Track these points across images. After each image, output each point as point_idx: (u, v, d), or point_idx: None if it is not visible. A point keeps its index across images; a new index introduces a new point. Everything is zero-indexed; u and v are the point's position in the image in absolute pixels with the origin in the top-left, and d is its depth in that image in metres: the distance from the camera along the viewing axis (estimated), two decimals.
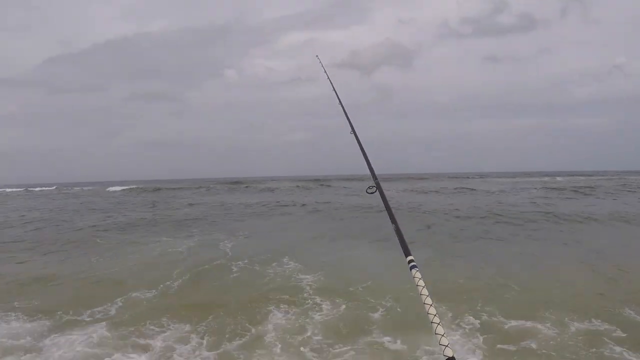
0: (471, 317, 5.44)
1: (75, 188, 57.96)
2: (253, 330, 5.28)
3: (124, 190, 45.38)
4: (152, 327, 5.41)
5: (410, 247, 1.76)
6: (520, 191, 28.67)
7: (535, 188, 31.29)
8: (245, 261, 8.76)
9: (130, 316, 5.82)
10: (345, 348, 4.72)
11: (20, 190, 54.35)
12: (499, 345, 4.68)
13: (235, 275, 7.98)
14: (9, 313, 5.99)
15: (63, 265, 9.15)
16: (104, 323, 5.54)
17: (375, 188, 2.22)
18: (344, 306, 6.02)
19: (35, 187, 60.50)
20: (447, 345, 1.31)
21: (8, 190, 56.17)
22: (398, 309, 5.78)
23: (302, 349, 4.75)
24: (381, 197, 2.09)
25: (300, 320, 5.54)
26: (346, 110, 3.66)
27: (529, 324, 5.24)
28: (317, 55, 5.06)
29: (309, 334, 5.12)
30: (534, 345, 4.68)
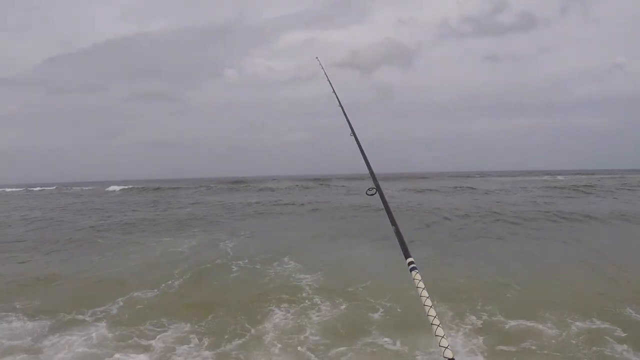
0: (471, 317, 5.45)
1: (75, 188, 57.93)
2: (252, 331, 5.29)
3: (123, 190, 45.36)
4: (152, 327, 5.42)
5: (410, 245, 1.77)
6: (520, 190, 28.66)
7: (536, 187, 31.27)
8: (246, 261, 8.77)
9: (131, 316, 5.84)
10: (344, 349, 4.71)
11: (20, 190, 54.36)
12: (499, 346, 4.68)
13: (235, 274, 7.98)
14: (10, 313, 6.00)
15: (65, 265, 9.16)
16: (105, 323, 5.56)
17: (375, 190, 2.23)
18: (343, 306, 6.02)
19: (35, 187, 60.48)
20: (447, 347, 1.31)
21: (8, 190, 56.16)
22: (398, 310, 5.77)
23: (301, 349, 4.75)
24: (381, 199, 2.09)
25: (299, 320, 5.54)
26: (346, 111, 3.67)
27: (529, 323, 5.24)
28: (317, 57, 5.09)
29: (308, 334, 5.13)
30: (534, 345, 4.68)
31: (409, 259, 1.65)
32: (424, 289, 1.49)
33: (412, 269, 1.60)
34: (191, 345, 4.94)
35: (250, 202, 23.74)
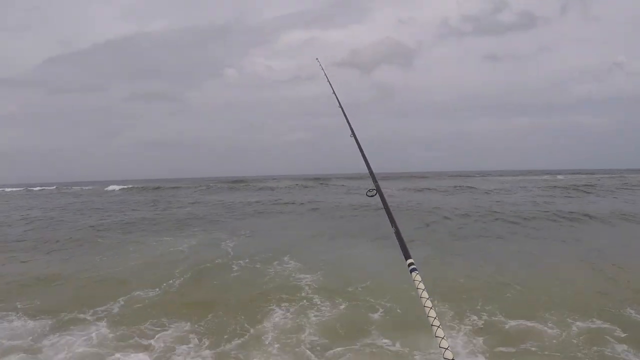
0: (471, 317, 5.45)
1: (74, 187, 57.95)
2: (252, 330, 5.29)
3: (122, 189, 45.34)
4: (153, 327, 5.43)
5: (409, 245, 1.79)
6: (520, 190, 28.65)
7: (536, 187, 31.26)
8: (246, 260, 8.78)
9: (132, 315, 5.85)
10: (344, 349, 4.71)
11: (20, 190, 54.36)
12: (500, 347, 4.68)
13: (235, 274, 7.99)
14: (11, 313, 6.01)
15: (65, 265, 9.17)
16: (106, 322, 5.57)
17: (375, 191, 2.24)
18: (343, 306, 6.02)
19: (35, 187, 60.50)
20: (447, 348, 1.32)
21: (8, 189, 56.18)
22: (398, 310, 5.76)
23: (300, 349, 4.76)
24: (381, 201, 2.10)
25: (298, 320, 5.55)
26: (346, 111, 3.68)
27: (529, 323, 5.24)
28: (317, 59, 5.09)
29: (307, 334, 5.13)
30: (535, 346, 4.68)
31: (409, 260, 1.66)
32: (424, 290, 1.49)
33: (412, 270, 1.61)
34: (191, 345, 4.95)
35: (250, 202, 23.74)
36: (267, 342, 4.93)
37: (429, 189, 31.17)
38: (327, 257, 9.04)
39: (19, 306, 6.28)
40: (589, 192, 24.41)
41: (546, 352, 4.54)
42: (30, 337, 5.18)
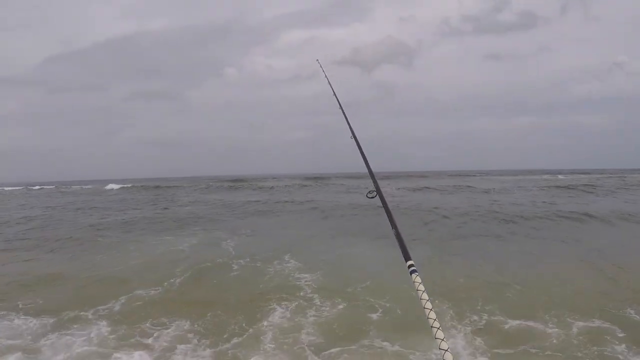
0: (471, 317, 5.45)
1: (74, 186, 57.96)
2: (251, 330, 5.30)
3: (122, 188, 45.30)
4: (153, 326, 5.44)
5: (409, 244, 1.79)
6: (519, 189, 28.67)
7: (536, 186, 31.27)
8: (247, 259, 8.79)
9: (133, 314, 5.86)
10: (343, 349, 4.71)
11: (19, 189, 54.36)
12: (500, 347, 4.68)
13: (236, 273, 8.00)
14: (12, 312, 6.02)
15: (66, 264, 9.18)
16: (107, 321, 5.59)
17: (375, 193, 2.24)
18: (342, 306, 6.02)
19: (35, 186, 60.51)
20: (447, 350, 1.32)
21: (7, 188, 56.15)
22: (397, 311, 5.76)
23: (299, 349, 4.77)
24: (382, 202, 2.11)
25: (298, 320, 5.55)
26: (347, 110, 3.68)
27: (529, 323, 5.25)
28: (317, 60, 5.08)
29: (306, 334, 5.13)
30: (535, 346, 4.68)
31: (409, 262, 1.67)
32: (424, 291, 1.50)
33: (412, 272, 1.61)
34: (190, 344, 4.96)
35: (250, 201, 23.74)
36: (266, 342, 4.94)
37: (428, 188, 31.18)
38: (327, 257, 9.05)
39: (20, 305, 6.29)
40: (589, 192, 24.41)
41: (546, 352, 4.54)
42: (30, 336, 5.19)
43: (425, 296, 1.47)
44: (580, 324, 5.18)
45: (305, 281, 7.21)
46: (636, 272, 7.46)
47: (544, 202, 19.13)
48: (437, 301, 5.82)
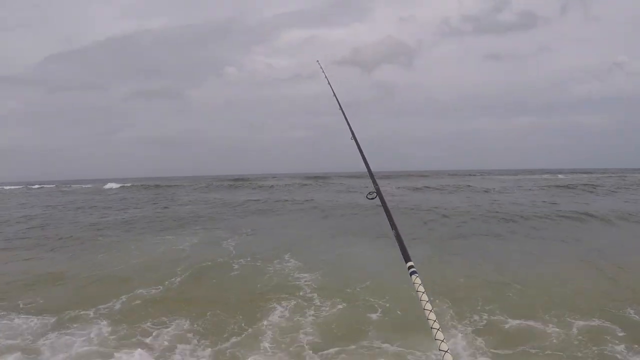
0: (471, 317, 5.45)
1: (74, 185, 57.96)
2: (250, 329, 5.31)
3: (122, 187, 45.27)
4: (153, 325, 5.45)
5: (408, 243, 1.80)
6: (519, 189, 28.66)
7: (536, 186, 31.26)
8: (248, 259, 8.79)
9: (133, 314, 5.87)
10: (341, 349, 4.71)
11: (19, 188, 54.38)
12: (500, 348, 4.68)
13: (236, 273, 8.01)
14: (12, 312, 6.02)
15: (67, 263, 9.18)
16: (107, 320, 5.59)
17: (375, 194, 2.25)
18: (342, 306, 6.02)
19: (34, 185, 60.53)
20: (447, 351, 1.32)
21: (7, 187, 56.17)
22: (397, 311, 5.75)
23: (298, 348, 4.77)
24: (382, 203, 2.11)
25: (297, 320, 5.55)
26: (347, 110, 3.69)
27: (530, 323, 5.25)
28: (317, 61, 5.08)
29: (305, 334, 5.13)
30: (536, 346, 4.68)
31: (409, 263, 1.67)
32: (424, 292, 1.50)
33: (412, 273, 1.61)
34: (190, 344, 4.96)
35: (250, 200, 23.74)
36: (265, 341, 4.94)
37: (428, 187, 31.19)
38: (327, 256, 9.06)
39: (20, 305, 6.30)
40: (589, 192, 24.41)
41: (546, 352, 4.55)
42: (31, 336, 5.19)
43: (425, 297, 1.48)
44: (581, 323, 5.19)
45: (305, 281, 7.21)
46: (636, 272, 7.46)
47: (544, 201, 19.12)
48: (437, 301, 5.82)
